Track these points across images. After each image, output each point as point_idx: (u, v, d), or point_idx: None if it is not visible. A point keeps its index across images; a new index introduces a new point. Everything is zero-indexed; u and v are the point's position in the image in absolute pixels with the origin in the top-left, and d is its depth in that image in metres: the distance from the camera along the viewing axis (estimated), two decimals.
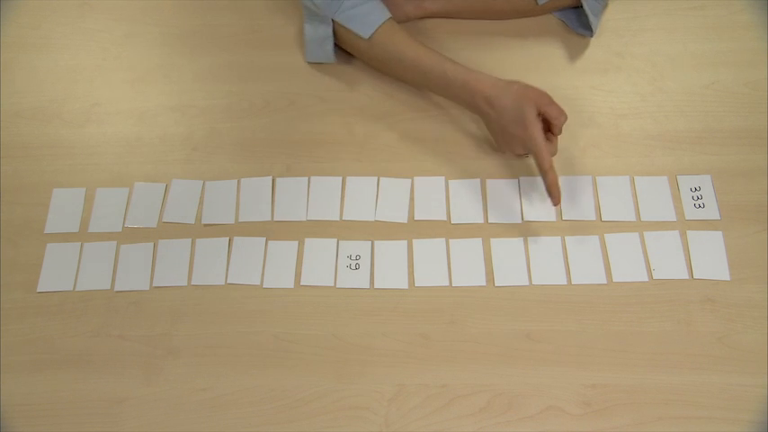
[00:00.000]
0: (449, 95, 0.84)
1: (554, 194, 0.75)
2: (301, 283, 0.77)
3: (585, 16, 0.90)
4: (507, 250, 0.78)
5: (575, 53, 0.93)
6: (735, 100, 0.88)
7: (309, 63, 0.93)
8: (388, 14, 0.84)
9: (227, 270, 0.78)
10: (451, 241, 0.79)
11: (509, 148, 0.81)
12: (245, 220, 0.82)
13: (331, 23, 0.85)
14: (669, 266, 0.76)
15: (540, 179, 0.82)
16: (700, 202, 0.80)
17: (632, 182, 0.82)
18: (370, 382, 0.71)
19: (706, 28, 0.94)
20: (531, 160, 0.83)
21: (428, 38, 0.94)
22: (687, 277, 0.75)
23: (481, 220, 0.80)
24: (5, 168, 0.87)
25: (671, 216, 0.79)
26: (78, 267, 0.79)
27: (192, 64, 0.95)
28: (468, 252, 0.78)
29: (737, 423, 0.67)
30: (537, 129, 0.75)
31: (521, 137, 0.77)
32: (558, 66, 0.92)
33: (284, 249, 0.79)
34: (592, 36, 0.93)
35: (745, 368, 0.70)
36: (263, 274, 0.78)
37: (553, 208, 0.80)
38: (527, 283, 0.76)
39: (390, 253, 0.78)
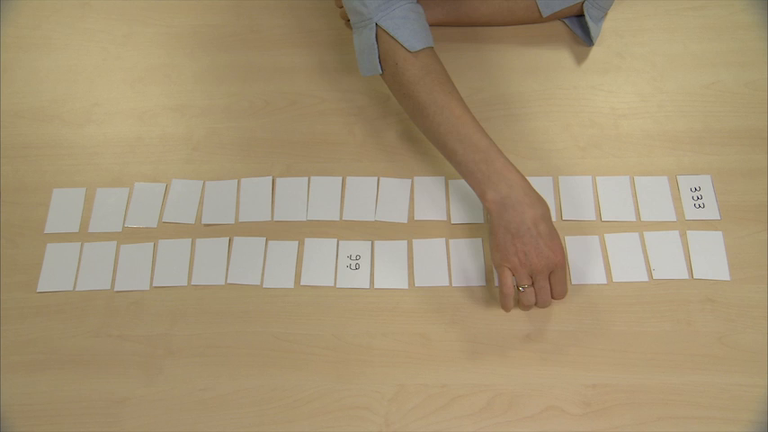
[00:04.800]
0: (461, 162, 0.71)
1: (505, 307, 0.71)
2: (301, 283, 0.77)
3: (587, 24, 0.91)
4: None
5: (575, 53, 0.93)
6: (735, 100, 0.88)
7: (310, 63, 0.93)
8: (432, 43, 0.76)
9: (227, 270, 0.78)
10: (451, 241, 0.79)
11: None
12: (245, 220, 0.82)
13: (374, 29, 0.74)
14: (669, 266, 0.76)
15: (541, 179, 0.82)
16: (700, 202, 0.80)
17: (632, 182, 0.82)
18: (370, 382, 0.71)
19: (706, 28, 0.94)
20: (536, 160, 0.84)
21: None
22: (687, 277, 0.75)
23: (481, 220, 0.80)
24: (5, 168, 0.87)
25: (671, 216, 0.79)
26: (78, 267, 0.79)
27: (192, 64, 0.95)
28: (467, 252, 0.78)
29: (737, 423, 0.67)
30: (506, 272, 0.70)
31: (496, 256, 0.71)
32: (559, 66, 0.92)
33: (284, 249, 0.79)
34: (591, 45, 0.93)
35: (745, 368, 0.70)
36: (263, 274, 0.78)
37: (553, 208, 0.79)
38: None
39: (390, 253, 0.78)
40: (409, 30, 0.74)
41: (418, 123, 0.76)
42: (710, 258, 0.76)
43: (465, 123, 0.71)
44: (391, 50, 0.75)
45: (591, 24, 0.90)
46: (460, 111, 0.72)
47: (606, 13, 0.94)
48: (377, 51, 0.76)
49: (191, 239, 0.80)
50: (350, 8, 0.76)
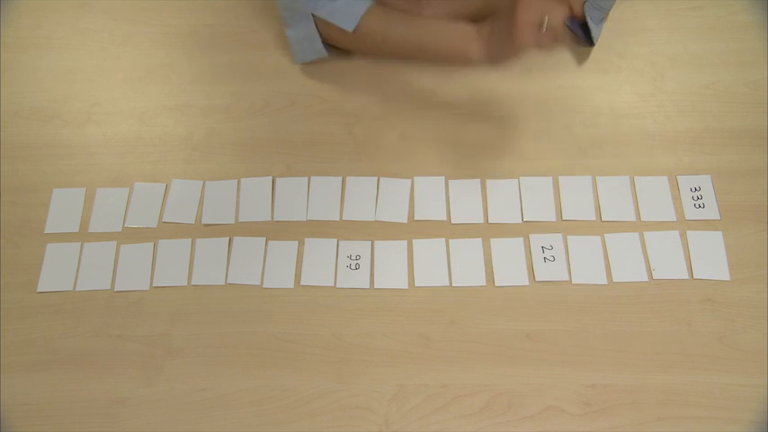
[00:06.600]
0: (440, 47, 0.80)
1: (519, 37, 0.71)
2: (301, 283, 0.77)
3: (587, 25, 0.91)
4: (507, 250, 0.78)
5: (575, 53, 0.93)
6: (735, 100, 0.88)
7: (309, 63, 0.93)
8: (369, 1, 0.82)
9: (227, 270, 0.78)
10: (451, 241, 0.79)
11: (501, 51, 0.76)
12: (245, 220, 0.82)
13: (312, 19, 0.83)
14: (669, 266, 0.76)
15: (540, 179, 0.82)
16: (700, 202, 0.80)
17: (632, 182, 0.82)
18: (370, 382, 0.71)
19: (706, 28, 0.94)
20: (536, 160, 0.84)
21: None
22: (687, 277, 0.75)
23: (481, 220, 0.80)
24: (5, 168, 0.87)
25: (671, 216, 0.79)
26: (78, 267, 0.79)
27: (191, 64, 0.95)
28: (468, 252, 0.78)
29: (737, 423, 0.67)
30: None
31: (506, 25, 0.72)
32: (559, 66, 0.92)
33: (284, 249, 0.79)
34: (592, 46, 0.93)
35: (745, 368, 0.70)
36: (263, 274, 0.78)
37: (553, 208, 0.80)
38: (527, 283, 0.76)
39: (390, 253, 0.78)
40: (341, 11, 0.80)
41: (389, 47, 0.83)
42: (710, 258, 0.76)
43: (431, 23, 0.80)
44: (335, 33, 0.83)
45: (591, 25, 0.90)
46: (422, 19, 0.81)
47: (607, 14, 0.94)
48: (319, 37, 0.85)
49: (191, 239, 0.80)
50: (281, 5, 0.84)
